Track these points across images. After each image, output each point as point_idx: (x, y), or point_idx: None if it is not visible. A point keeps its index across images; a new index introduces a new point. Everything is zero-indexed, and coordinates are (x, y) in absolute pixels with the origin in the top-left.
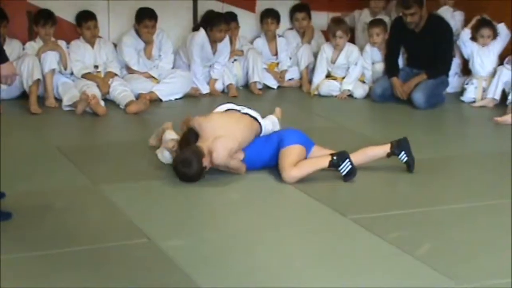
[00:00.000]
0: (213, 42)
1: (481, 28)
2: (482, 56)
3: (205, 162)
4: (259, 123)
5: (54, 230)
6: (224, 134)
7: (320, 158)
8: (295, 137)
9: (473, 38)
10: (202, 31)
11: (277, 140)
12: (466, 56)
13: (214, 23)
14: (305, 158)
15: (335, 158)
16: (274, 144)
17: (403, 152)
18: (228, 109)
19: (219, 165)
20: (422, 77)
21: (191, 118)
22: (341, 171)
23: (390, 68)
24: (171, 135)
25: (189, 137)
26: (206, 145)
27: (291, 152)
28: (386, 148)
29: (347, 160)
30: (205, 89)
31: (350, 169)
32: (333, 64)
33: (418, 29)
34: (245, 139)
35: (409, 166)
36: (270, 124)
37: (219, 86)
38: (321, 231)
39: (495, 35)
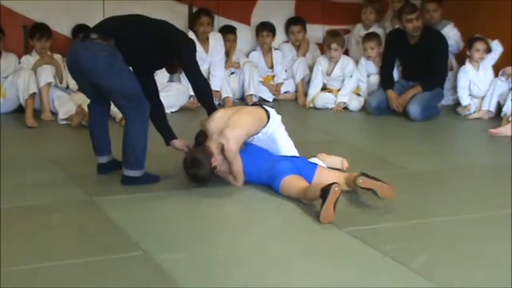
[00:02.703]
0: (203, 40)
1: (475, 43)
2: (478, 83)
3: (214, 162)
4: (265, 110)
5: (49, 243)
6: (228, 125)
7: (319, 187)
8: (287, 168)
9: (468, 56)
10: (190, 33)
11: (274, 171)
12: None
13: (197, 19)
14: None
15: (321, 193)
16: (271, 170)
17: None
18: None
19: (229, 158)
20: (418, 89)
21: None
22: None
23: (385, 81)
24: None
25: (199, 138)
26: (213, 142)
27: (289, 186)
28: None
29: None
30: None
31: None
32: (328, 76)
33: (414, 42)
34: (250, 124)
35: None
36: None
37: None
38: (317, 243)
39: (488, 49)
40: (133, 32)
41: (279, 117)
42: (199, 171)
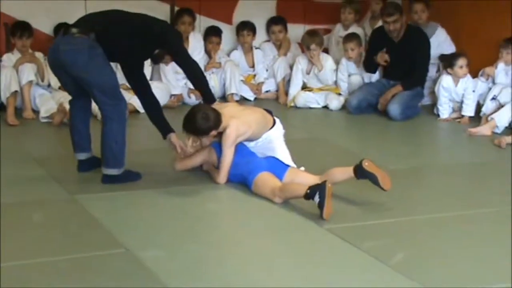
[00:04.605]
0: (184, 40)
1: (458, 59)
2: (455, 95)
3: (215, 132)
4: (273, 117)
5: (31, 241)
6: (239, 117)
7: (300, 186)
8: (263, 165)
9: (451, 69)
10: None
11: (250, 166)
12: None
13: (178, 18)
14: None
15: (308, 191)
16: (247, 165)
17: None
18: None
19: (223, 145)
20: (398, 89)
21: None
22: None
23: (369, 65)
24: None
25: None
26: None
27: (263, 182)
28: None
29: (317, 193)
30: (174, 90)
31: (319, 202)
32: (308, 75)
33: (397, 39)
34: (258, 127)
35: None
36: None
37: (193, 99)
38: (297, 241)
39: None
40: (113, 24)
41: (282, 130)
42: (204, 123)
